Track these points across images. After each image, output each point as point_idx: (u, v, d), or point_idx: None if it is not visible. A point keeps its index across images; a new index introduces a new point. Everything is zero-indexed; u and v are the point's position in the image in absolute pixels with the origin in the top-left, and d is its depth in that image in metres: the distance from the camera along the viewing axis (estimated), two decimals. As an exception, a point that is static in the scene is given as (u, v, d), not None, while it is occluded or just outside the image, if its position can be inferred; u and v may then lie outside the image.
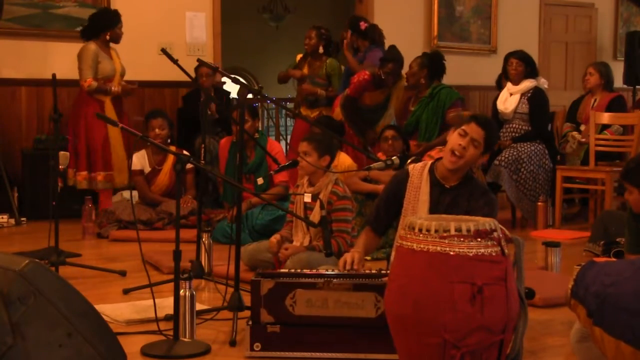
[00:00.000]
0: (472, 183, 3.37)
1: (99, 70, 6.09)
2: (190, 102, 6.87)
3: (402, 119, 6.83)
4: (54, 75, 4.64)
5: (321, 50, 6.85)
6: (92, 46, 6.09)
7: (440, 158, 3.40)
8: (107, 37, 6.16)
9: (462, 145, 3.24)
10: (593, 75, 6.66)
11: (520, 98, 6.40)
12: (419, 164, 3.49)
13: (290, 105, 8.30)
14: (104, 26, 6.14)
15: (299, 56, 7.11)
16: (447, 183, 3.36)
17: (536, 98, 6.39)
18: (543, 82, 6.64)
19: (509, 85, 6.53)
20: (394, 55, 6.56)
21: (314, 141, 4.25)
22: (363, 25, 6.85)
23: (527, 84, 6.41)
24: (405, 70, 6.67)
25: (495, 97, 6.69)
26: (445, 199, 3.34)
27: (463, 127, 3.27)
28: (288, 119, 11.57)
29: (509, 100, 6.47)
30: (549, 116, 6.75)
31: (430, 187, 3.36)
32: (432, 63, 6.54)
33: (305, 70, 6.97)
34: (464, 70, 8.32)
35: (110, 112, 6.09)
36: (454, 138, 3.29)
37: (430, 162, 3.46)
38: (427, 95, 6.39)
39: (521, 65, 6.44)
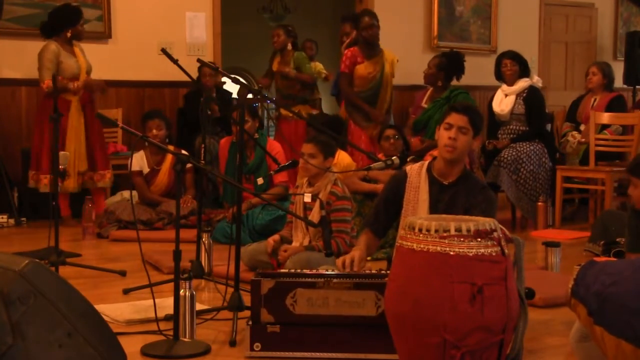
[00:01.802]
0: (470, 179, 3.39)
1: (62, 70, 5.93)
2: (191, 102, 6.87)
3: (412, 114, 6.81)
4: (54, 75, 4.65)
5: (289, 47, 6.95)
6: (53, 46, 5.93)
7: (436, 157, 3.42)
8: (69, 35, 5.98)
9: (452, 137, 3.29)
10: (596, 75, 6.64)
11: (516, 99, 6.36)
12: (416, 164, 3.50)
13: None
14: (65, 23, 5.98)
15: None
16: (445, 180, 3.38)
17: (532, 98, 6.36)
18: (537, 81, 6.62)
19: (503, 86, 6.49)
20: (366, 12, 6.62)
21: (319, 143, 4.24)
22: None
23: (522, 84, 6.38)
24: (422, 68, 6.66)
25: (490, 98, 6.67)
26: (444, 196, 3.35)
27: (446, 121, 3.32)
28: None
29: (504, 101, 6.42)
30: (546, 115, 6.73)
31: (429, 185, 3.38)
32: (450, 65, 6.51)
33: (275, 66, 7.07)
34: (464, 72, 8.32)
35: (76, 112, 5.97)
36: (442, 134, 3.34)
37: (427, 162, 3.47)
38: (444, 97, 6.36)
39: (515, 65, 6.40)
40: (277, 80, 7.10)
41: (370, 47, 6.53)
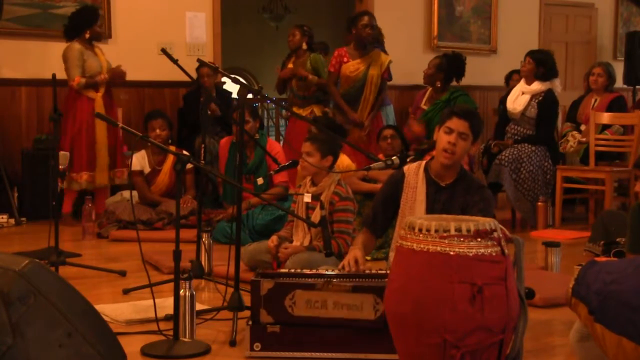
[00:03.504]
0: (466, 179, 3.40)
1: (86, 69, 6.05)
2: (190, 102, 6.87)
3: (412, 114, 6.80)
4: (54, 75, 4.65)
5: (304, 46, 6.79)
6: (77, 45, 6.06)
7: (434, 157, 3.43)
8: (87, 36, 6.09)
9: (452, 142, 3.29)
10: (602, 76, 6.62)
11: (530, 100, 6.26)
12: (414, 164, 3.51)
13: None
14: (83, 24, 6.08)
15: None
16: (442, 181, 3.39)
17: (546, 103, 6.23)
18: (556, 86, 6.42)
19: (522, 83, 6.40)
20: (366, 12, 6.58)
21: (317, 141, 4.24)
22: None
23: (540, 86, 6.25)
24: (422, 68, 6.65)
25: (507, 92, 6.61)
26: (441, 197, 3.36)
27: (446, 125, 3.32)
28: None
29: (519, 99, 6.31)
30: (555, 122, 6.67)
31: (426, 186, 3.39)
32: (450, 66, 6.48)
33: (290, 67, 6.88)
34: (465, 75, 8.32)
35: (100, 109, 6.05)
36: (442, 137, 3.34)
37: (424, 162, 3.48)
38: (444, 99, 6.33)
39: (531, 63, 6.26)
40: (291, 80, 6.86)
41: (362, 47, 6.54)
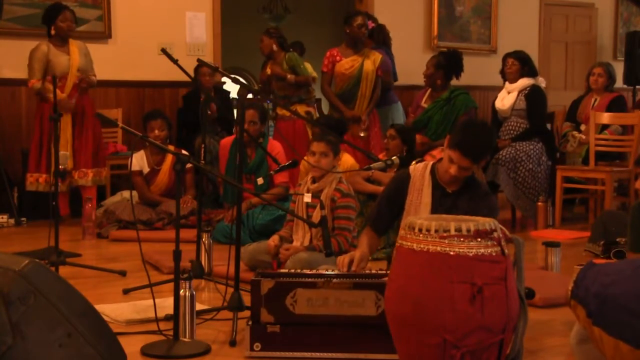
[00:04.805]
0: (473, 186, 3.38)
1: (51, 68, 5.89)
2: (190, 102, 6.87)
3: (412, 113, 6.81)
4: (53, 76, 4.65)
5: (275, 47, 6.77)
6: (43, 46, 5.93)
7: (442, 159, 3.41)
8: (53, 33, 5.96)
9: (452, 174, 3.29)
10: (602, 77, 6.63)
11: (518, 95, 6.37)
12: (420, 165, 3.49)
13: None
14: (48, 22, 5.97)
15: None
16: (449, 188, 3.37)
17: (533, 95, 6.35)
18: (541, 81, 6.61)
19: (506, 84, 6.52)
20: (361, 12, 6.60)
21: (330, 142, 4.24)
22: (370, 24, 6.86)
23: (525, 82, 6.38)
24: (422, 68, 6.66)
25: (494, 98, 6.68)
26: (446, 201, 3.35)
27: (450, 155, 3.27)
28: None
29: (506, 98, 6.45)
30: (546, 113, 6.74)
31: (432, 189, 3.37)
32: (449, 63, 6.51)
33: (269, 71, 6.88)
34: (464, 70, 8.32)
35: (61, 110, 5.90)
36: (446, 163, 3.32)
37: (431, 163, 3.46)
38: (445, 97, 6.34)
39: (516, 64, 6.41)
40: (271, 83, 6.92)
41: (354, 45, 6.57)
